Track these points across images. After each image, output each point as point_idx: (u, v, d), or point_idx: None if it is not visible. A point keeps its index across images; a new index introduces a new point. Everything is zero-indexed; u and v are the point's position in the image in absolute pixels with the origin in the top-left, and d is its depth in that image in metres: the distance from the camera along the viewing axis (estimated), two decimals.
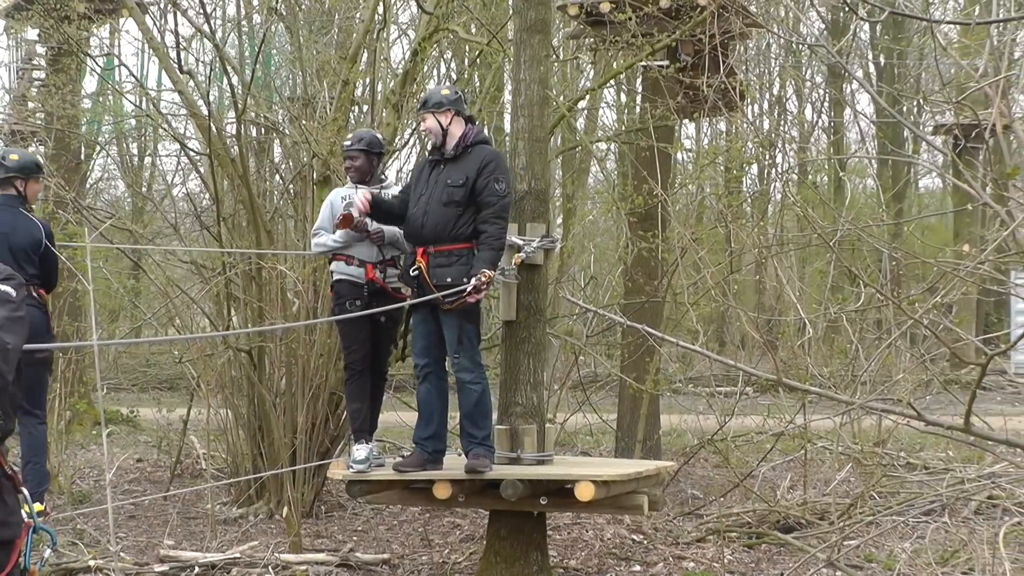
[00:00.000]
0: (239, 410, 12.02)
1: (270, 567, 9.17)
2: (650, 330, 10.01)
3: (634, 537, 10.61)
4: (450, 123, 7.99)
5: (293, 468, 10.69)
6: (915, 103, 28.27)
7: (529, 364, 8.38)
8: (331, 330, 10.68)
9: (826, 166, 28.32)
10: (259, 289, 11.65)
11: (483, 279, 7.60)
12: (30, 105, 22.05)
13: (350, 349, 8.42)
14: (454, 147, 7.97)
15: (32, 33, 21.68)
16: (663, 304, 13.45)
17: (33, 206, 9.16)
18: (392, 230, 8.30)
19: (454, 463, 8.19)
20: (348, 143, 8.68)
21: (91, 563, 8.99)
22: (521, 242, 8.20)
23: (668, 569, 9.47)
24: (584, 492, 7.68)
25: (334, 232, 8.39)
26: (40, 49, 22.06)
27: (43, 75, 21.43)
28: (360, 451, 8.23)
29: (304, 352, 11.14)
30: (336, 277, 8.46)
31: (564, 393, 14.30)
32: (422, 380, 8.04)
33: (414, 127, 13.27)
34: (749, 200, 23.32)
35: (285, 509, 10.02)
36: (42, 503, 8.53)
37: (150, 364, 25.65)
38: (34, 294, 8.58)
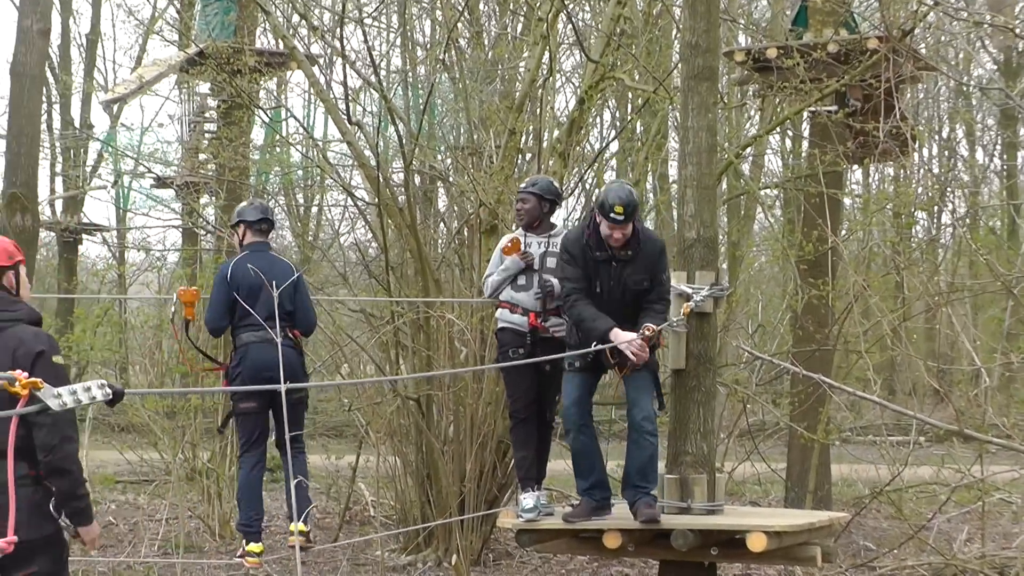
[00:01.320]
0: (407, 457, 12.12)
1: None
2: (827, 380, 9.81)
3: None
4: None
5: (462, 517, 10.72)
6: None
7: (699, 413, 8.27)
8: (498, 378, 10.71)
9: (999, 211, 27.58)
10: (427, 337, 11.75)
11: (647, 332, 7.52)
12: (201, 157, 22.63)
13: (514, 397, 8.41)
14: (629, 247, 7.85)
15: (204, 87, 22.34)
16: (834, 352, 13.17)
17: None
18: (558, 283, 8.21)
19: (622, 512, 8.10)
20: (523, 185, 8.70)
21: None
22: (690, 291, 8.11)
23: None
24: (756, 543, 7.53)
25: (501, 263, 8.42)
26: (212, 102, 22.66)
27: (215, 127, 21.98)
28: (528, 499, 8.18)
29: (472, 400, 11.19)
30: (500, 325, 8.44)
31: (732, 442, 14.11)
32: (576, 432, 7.95)
33: (580, 175, 13.31)
34: (922, 246, 22.83)
35: (454, 557, 10.07)
36: (306, 524, 8.60)
37: (317, 411, 26.02)
38: (289, 335, 8.70)
